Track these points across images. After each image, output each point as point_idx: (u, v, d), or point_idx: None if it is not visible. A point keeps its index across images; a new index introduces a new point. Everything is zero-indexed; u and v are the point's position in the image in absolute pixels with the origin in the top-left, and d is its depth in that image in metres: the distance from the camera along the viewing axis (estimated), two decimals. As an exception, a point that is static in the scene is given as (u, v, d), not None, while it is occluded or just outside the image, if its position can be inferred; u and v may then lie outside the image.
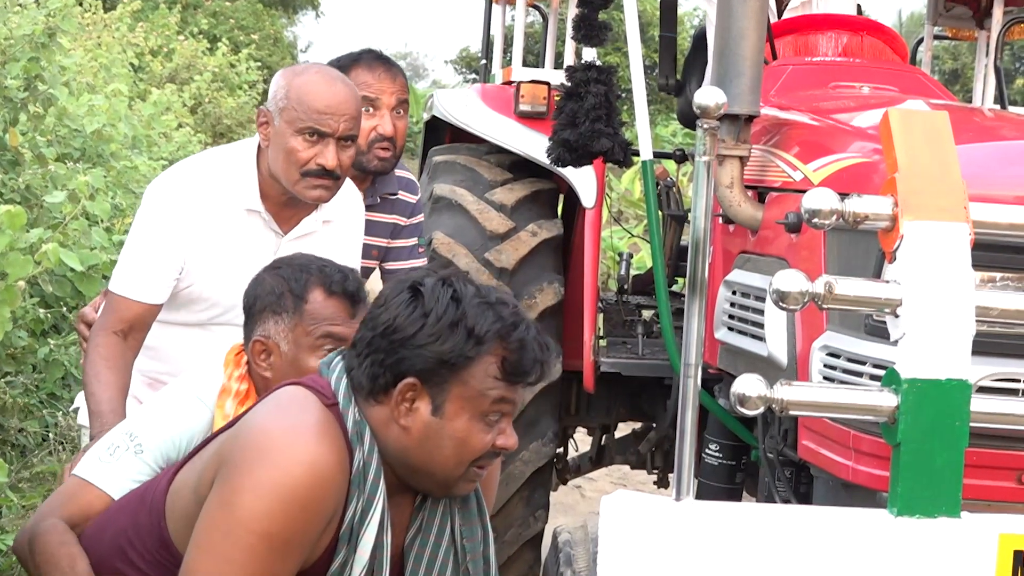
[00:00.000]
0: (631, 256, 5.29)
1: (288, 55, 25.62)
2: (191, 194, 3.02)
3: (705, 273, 2.08)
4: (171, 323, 3.10)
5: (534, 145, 4.51)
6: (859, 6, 5.59)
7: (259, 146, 3.07)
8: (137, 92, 11.74)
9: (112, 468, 2.49)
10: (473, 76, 32.83)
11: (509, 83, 5.03)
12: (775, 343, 2.99)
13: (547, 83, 4.67)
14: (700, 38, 4.94)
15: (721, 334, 3.40)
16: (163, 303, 3.02)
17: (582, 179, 4.46)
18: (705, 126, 2.12)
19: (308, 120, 2.95)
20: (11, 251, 3.02)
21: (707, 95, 2.12)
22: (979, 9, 5.12)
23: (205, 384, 2.62)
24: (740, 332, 3.29)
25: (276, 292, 2.58)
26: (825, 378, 2.71)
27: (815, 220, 2.18)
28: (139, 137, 8.91)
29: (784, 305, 2.11)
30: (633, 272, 5.28)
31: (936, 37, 5.63)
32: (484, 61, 6.39)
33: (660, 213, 5.11)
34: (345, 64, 3.51)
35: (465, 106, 4.92)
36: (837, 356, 2.69)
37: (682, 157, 5.46)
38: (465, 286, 2.17)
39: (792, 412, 2.14)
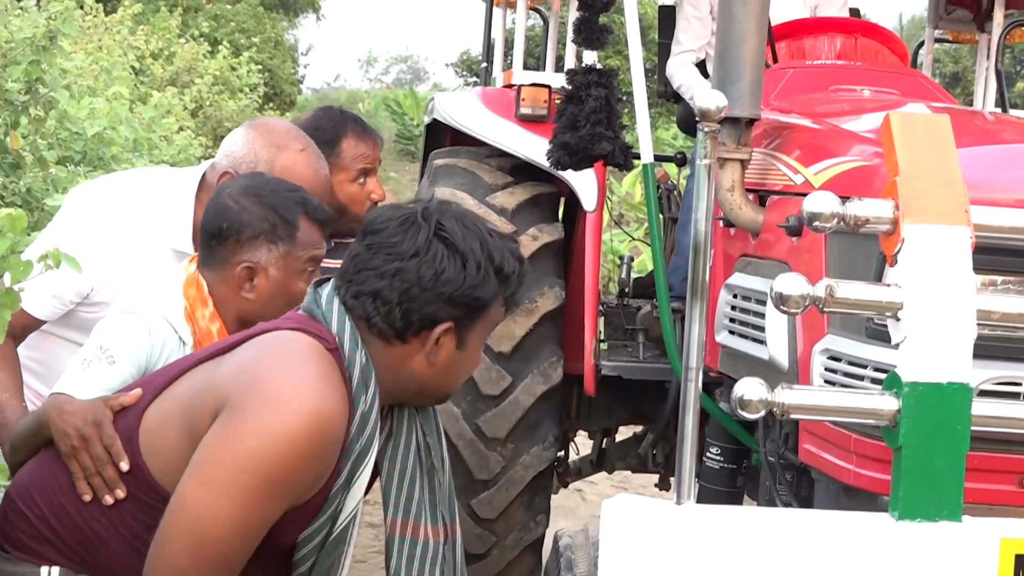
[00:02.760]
0: (632, 259, 5.28)
1: (289, 58, 25.47)
2: (115, 223, 2.90)
3: (706, 277, 2.08)
4: (69, 341, 2.95)
5: (535, 148, 4.51)
6: (857, 9, 5.59)
7: (200, 184, 2.96)
8: (138, 95, 11.55)
9: (87, 378, 2.51)
10: (474, 79, 32.65)
11: (510, 86, 5.03)
12: (776, 346, 2.98)
13: (548, 86, 4.67)
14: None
15: (722, 337, 3.40)
16: (50, 320, 2.90)
17: (583, 183, 4.46)
18: (706, 129, 2.13)
19: None
20: (12, 254, 2.99)
21: (708, 98, 2.12)
22: (980, 12, 5.12)
23: (169, 305, 2.68)
24: (741, 336, 3.28)
25: (271, 221, 2.68)
26: (826, 381, 2.71)
27: (816, 223, 2.18)
28: (140, 140, 8.74)
29: (785, 308, 2.11)
30: (634, 276, 5.27)
31: (937, 40, 5.64)
32: (485, 64, 6.39)
33: (661, 216, 5.11)
34: (331, 138, 3.39)
35: (466, 109, 4.92)
36: (838, 360, 2.69)
37: (683, 160, 5.47)
38: (476, 224, 2.30)
39: (793, 416, 2.14)
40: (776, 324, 2.99)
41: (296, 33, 32.79)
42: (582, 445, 5.38)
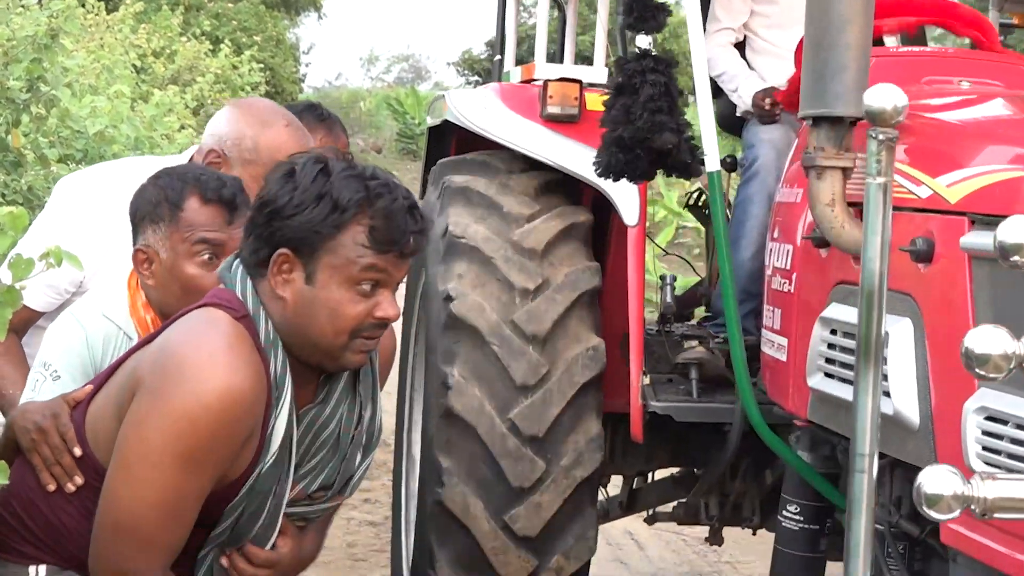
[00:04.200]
0: (675, 279, 4.61)
1: (290, 57, 25.44)
2: (103, 211, 2.92)
3: (882, 331, 1.53)
4: None
5: (563, 153, 3.94)
6: None
7: None
8: (139, 93, 11.56)
9: (39, 399, 2.54)
10: (476, 78, 31.86)
11: (529, 81, 4.45)
12: (902, 399, 2.42)
13: (579, 81, 4.09)
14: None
15: (815, 381, 2.84)
16: (48, 311, 2.96)
17: (622, 192, 3.83)
18: (880, 136, 1.57)
19: None
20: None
21: (881, 95, 1.56)
22: (1050, -8, 4.54)
23: (110, 300, 2.67)
24: (844, 380, 2.71)
25: (154, 201, 2.61)
26: (985, 448, 2.15)
27: (1016, 258, 1.63)
28: (141, 139, 8.73)
29: (983, 373, 1.56)
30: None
31: (1002, 25, 5.06)
32: (499, 57, 5.75)
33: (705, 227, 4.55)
34: None
35: (484, 108, 4.28)
36: (1004, 422, 2.12)
37: (732, 165, 4.90)
38: (337, 162, 2.24)
39: (1000, 516, 1.57)
40: (902, 370, 2.43)
41: (297, 32, 32.65)
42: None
